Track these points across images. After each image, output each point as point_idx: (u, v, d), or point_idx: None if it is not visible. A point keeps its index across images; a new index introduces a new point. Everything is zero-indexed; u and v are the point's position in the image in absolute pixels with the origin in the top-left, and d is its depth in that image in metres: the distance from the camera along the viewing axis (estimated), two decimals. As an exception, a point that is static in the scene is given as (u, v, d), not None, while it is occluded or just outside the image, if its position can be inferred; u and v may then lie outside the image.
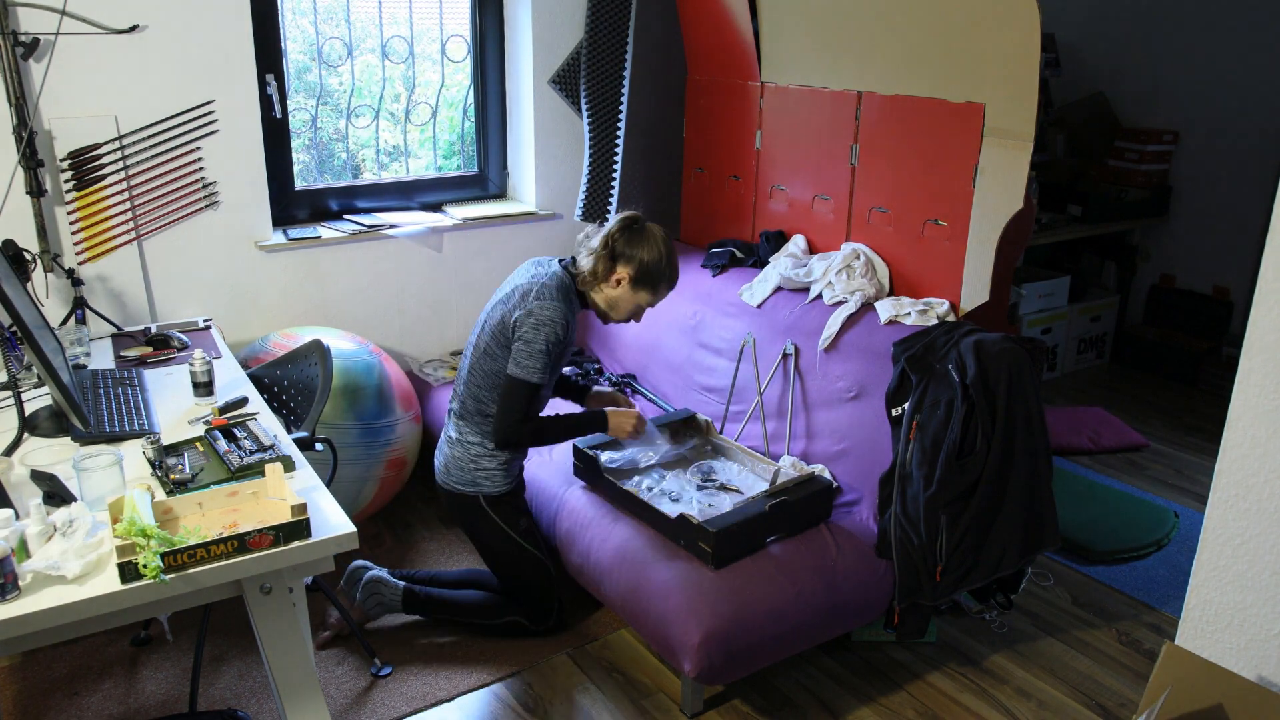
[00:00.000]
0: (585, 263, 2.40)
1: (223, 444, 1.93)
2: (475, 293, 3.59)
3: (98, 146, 2.72)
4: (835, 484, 2.63)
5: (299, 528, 1.59)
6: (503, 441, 2.38)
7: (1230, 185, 4.42)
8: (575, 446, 2.62)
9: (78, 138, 2.69)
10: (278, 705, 1.70)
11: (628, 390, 3.26)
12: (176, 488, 1.76)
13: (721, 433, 2.98)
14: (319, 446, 2.19)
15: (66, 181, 2.70)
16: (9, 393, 2.12)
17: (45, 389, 2.18)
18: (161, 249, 2.92)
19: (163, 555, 1.47)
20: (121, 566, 1.46)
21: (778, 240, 3.16)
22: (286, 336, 2.90)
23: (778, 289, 2.97)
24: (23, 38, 2.55)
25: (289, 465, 1.87)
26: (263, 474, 1.77)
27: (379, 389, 2.86)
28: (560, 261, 2.45)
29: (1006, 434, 2.34)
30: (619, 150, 3.35)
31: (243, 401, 2.21)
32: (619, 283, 2.41)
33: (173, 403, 2.23)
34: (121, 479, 1.73)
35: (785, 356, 2.79)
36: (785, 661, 2.48)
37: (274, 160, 3.15)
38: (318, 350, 2.45)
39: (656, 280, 2.43)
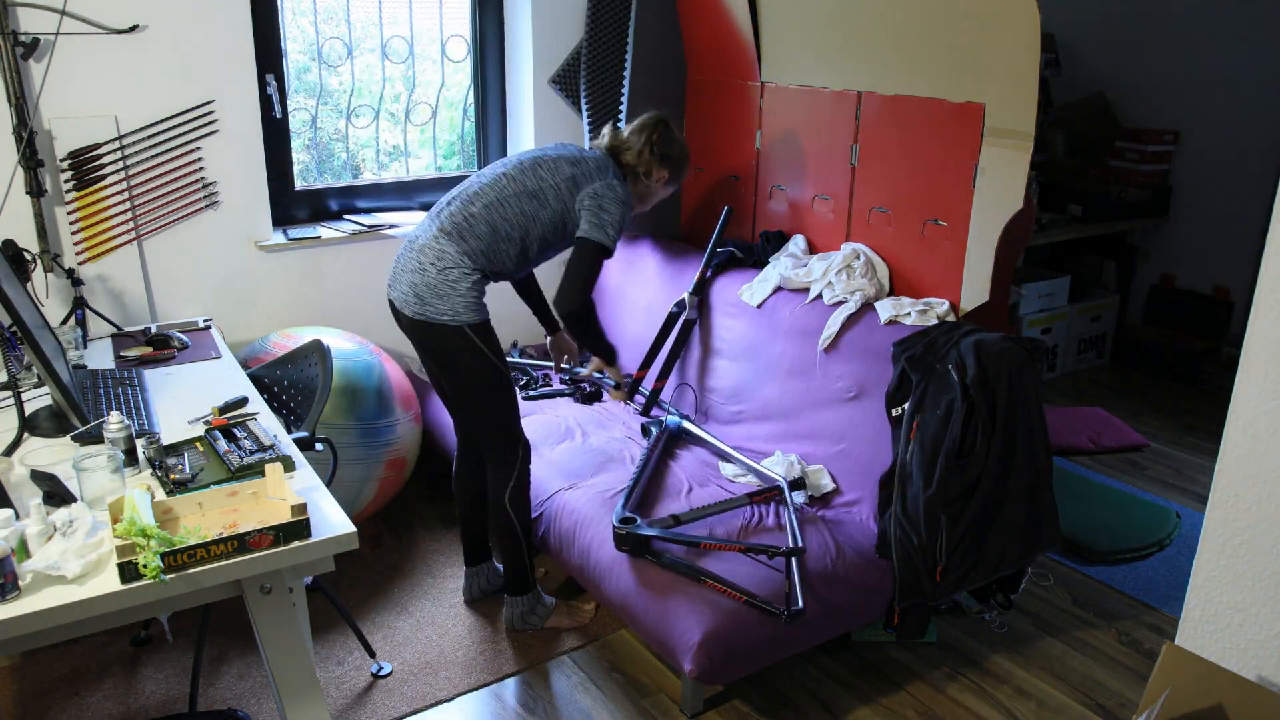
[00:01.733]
0: (629, 158, 2.55)
1: (223, 444, 1.93)
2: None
3: (98, 146, 2.72)
4: (835, 485, 2.64)
5: (299, 528, 1.59)
6: (568, 307, 2.42)
7: (1230, 185, 4.42)
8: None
9: (78, 138, 2.69)
10: (278, 705, 1.70)
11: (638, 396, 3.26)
12: (176, 488, 1.76)
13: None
14: (319, 446, 2.19)
15: (66, 181, 2.70)
16: (9, 393, 2.12)
17: (45, 389, 2.18)
18: (161, 249, 2.92)
19: (163, 555, 1.47)
20: (121, 566, 1.46)
21: (778, 240, 3.16)
22: (286, 336, 2.90)
23: (778, 289, 2.97)
24: (23, 38, 2.55)
25: (289, 465, 1.87)
26: (263, 474, 1.77)
27: (379, 389, 2.86)
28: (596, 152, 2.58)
29: (1006, 434, 2.34)
30: (619, 150, 3.35)
31: (243, 401, 2.21)
32: (661, 181, 2.60)
33: (173, 403, 2.23)
34: (122, 479, 1.73)
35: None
36: (785, 661, 2.48)
37: (274, 160, 3.15)
38: (318, 350, 2.45)
39: (683, 173, 2.68)
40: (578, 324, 2.48)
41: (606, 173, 2.47)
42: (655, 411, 3.13)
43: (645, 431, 2.91)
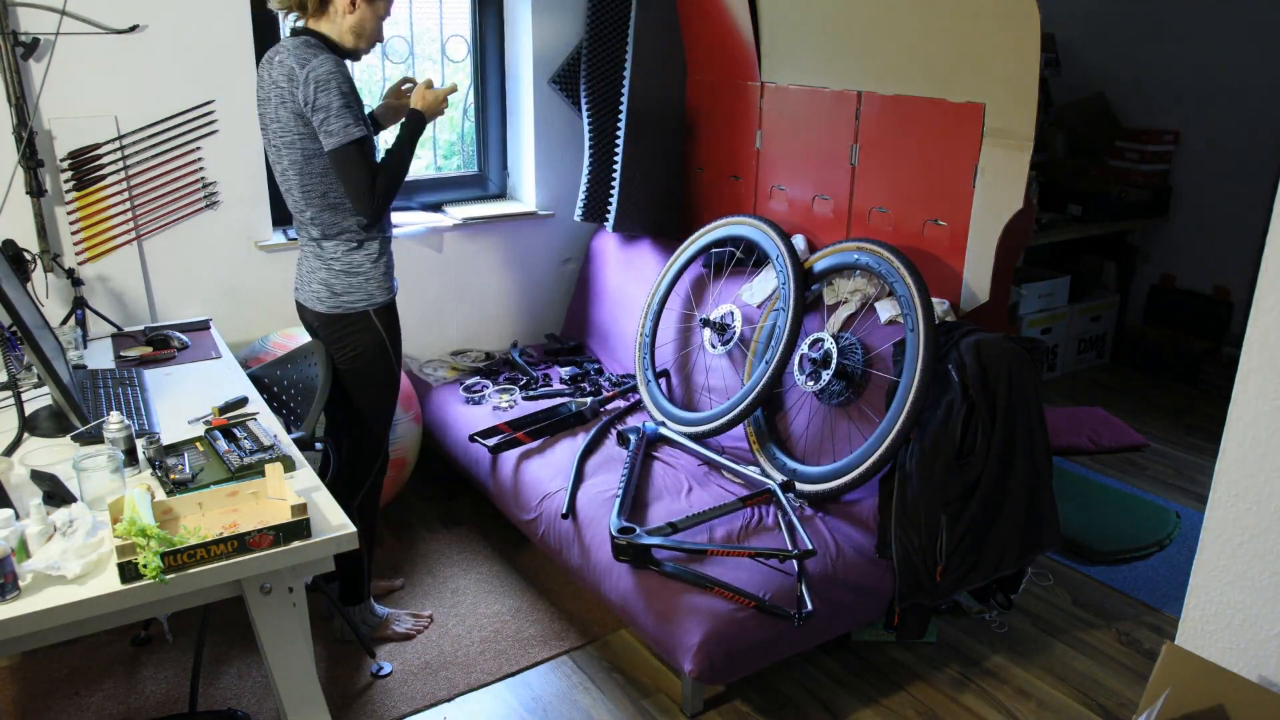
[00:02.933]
0: (311, 14, 2.20)
1: (223, 444, 1.93)
2: (475, 293, 3.59)
3: (98, 146, 2.72)
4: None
5: (299, 528, 1.59)
6: (372, 208, 2.19)
7: (1230, 185, 4.42)
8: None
9: (78, 138, 2.69)
10: (278, 705, 1.70)
11: (631, 394, 3.25)
12: (176, 488, 1.76)
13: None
14: (319, 446, 2.19)
15: (66, 181, 2.70)
16: (9, 393, 2.12)
17: (45, 389, 2.17)
18: (161, 249, 2.92)
19: (163, 555, 1.47)
20: (121, 566, 1.46)
21: (778, 240, 3.15)
22: (286, 336, 2.90)
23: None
24: (23, 38, 2.55)
25: (289, 465, 1.87)
26: (263, 474, 1.77)
27: (379, 389, 2.85)
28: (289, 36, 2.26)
29: (1006, 434, 2.34)
30: (619, 150, 3.35)
31: (243, 401, 2.21)
32: (354, 3, 2.19)
33: (173, 403, 2.23)
34: (122, 479, 1.73)
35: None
36: (785, 661, 2.48)
37: (274, 160, 3.15)
38: (318, 350, 2.45)
39: None
40: (382, 213, 2.25)
41: (304, 59, 2.13)
42: (632, 418, 3.11)
43: (622, 439, 2.89)
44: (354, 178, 2.17)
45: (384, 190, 2.21)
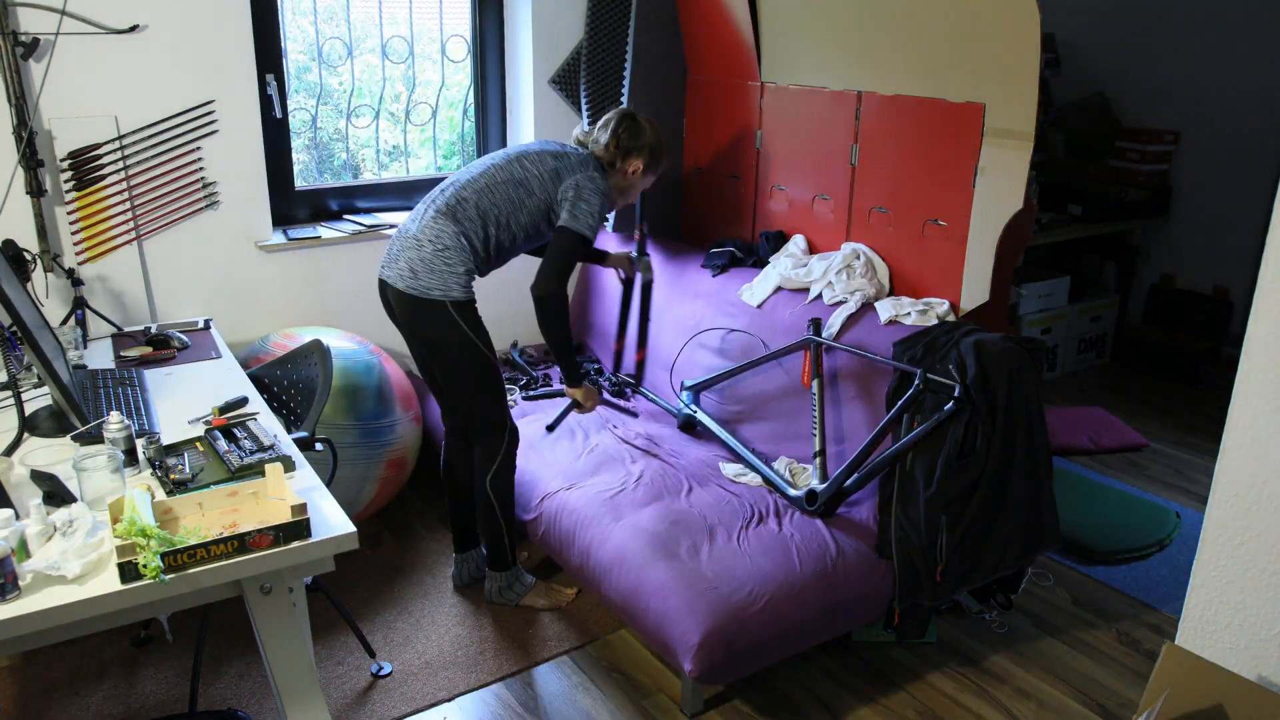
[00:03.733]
0: (599, 152, 2.60)
1: (223, 444, 1.93)
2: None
3: (98, 146, 2.72)
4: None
5: (299, 528, 1.59)
6: (543, 290, 2.45)
7: (1230, 185, 4.42)
8: None
9: (78, 138, 2.69)
10: (278, 705, 1.70)
11: (628, 390, 3.25)
12: (176, 488, 1.76)
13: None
14: (319, 446, 2.19)
15: (66, 181, 2.70)
16: (9, 393, 2.12)
17: (45, 389, 2.18)
18: (161, 249, 2.92)
19: (163, 555, 1.47)
20: (121, 566, 1.46)
21: (778, 240, 3.16)
22: (286, 336, 2.90)
23: (778, 289, 2.97)
24: (23, 38, 2.56)
25: (289, 465, 1.87)
26: (263, 474, 1.77)
27: (379, 389, 2.86)
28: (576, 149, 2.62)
29: (1006, 434, 2.34)
30: (619, 150, 3.35)
31: (243, 401, 2.21)
32: (635, 171, 2.61)
33: (173, 403, 2.23)
34: (122, 479, 1.73)
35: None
36: (785, 661, 2.48)
37: (274, 160, 3.15)
38: (318, 350, 2.45)
39: (659, 163, 2.67)
40: (547, 310, 2.48)
41: (588, 166, 2.55)
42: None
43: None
44: (561, 259, 2.46)
45: (557, 300, 2.46)
